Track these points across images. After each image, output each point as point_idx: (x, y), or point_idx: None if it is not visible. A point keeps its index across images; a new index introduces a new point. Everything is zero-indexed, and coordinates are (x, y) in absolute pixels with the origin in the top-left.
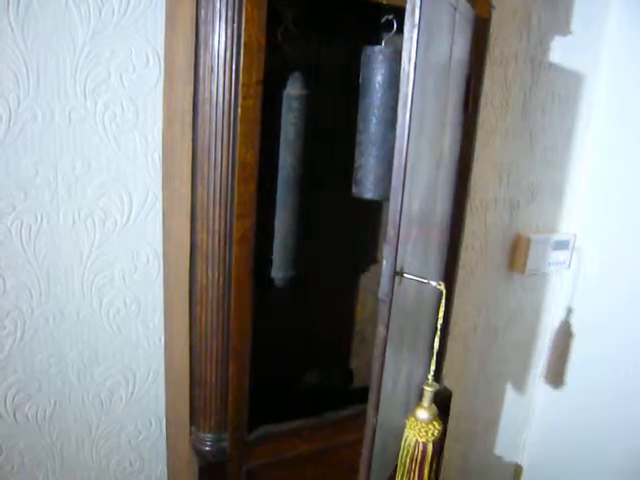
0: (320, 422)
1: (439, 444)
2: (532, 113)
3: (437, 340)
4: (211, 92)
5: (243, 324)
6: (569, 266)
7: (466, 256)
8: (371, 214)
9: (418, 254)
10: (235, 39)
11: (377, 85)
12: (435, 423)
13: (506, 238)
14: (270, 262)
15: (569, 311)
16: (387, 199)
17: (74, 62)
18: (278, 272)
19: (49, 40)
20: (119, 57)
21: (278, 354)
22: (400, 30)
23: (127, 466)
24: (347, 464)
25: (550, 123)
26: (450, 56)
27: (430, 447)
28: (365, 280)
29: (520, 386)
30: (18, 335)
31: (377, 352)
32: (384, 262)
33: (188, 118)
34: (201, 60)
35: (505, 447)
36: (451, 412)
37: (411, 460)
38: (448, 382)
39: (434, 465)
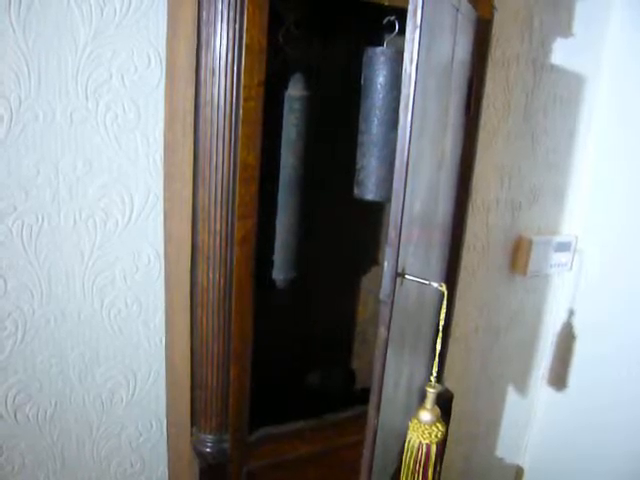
0: (321, 423)
1: (442, 446)
2: (534, 115)
3: (439, 341)
4: (212, 93)
5: (244, 325)
6: (571, 268)
7: (468, 257)
8: (372, 215)
9: (420, 255)
10: (237, 40)
11: (379, 86)
12: (438, 425)
13: (508, 239)
14: (271, 263)
15: (571, 313)
16: (389, 200)
17: (76, 62)
18: (279, 273)
19: (51, 40)
20: (121, 58)
21: (279, 355)
22: (402, 31)
23: (128, 467)
24: (348, 465)
25: (552, 125)
26: (452, 57)
27: (434, 449)
28: (366, 281)
29: (522, 388)
30: (19, 336)
31: (378, 353)
32: (385, 263)
33: (189, 119)
34: (203, 61)
35: (507, 449)
36: (452, 413)
37: (415, 462)
38: (449, 383)
39: (438, 467)
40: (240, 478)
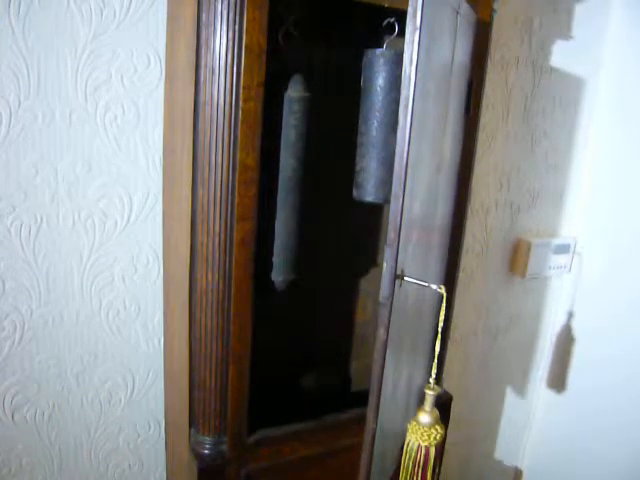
0: (319, 426)
1: (441, 448)
2: (533, 117)
3: (438, 343)
4: (212, 94)
5: (243, 327)
6: (570, 270)
7: (467, 259)
8: (372, 217)
9: (419, 257)
10: (236, 41)
11: (378, 88)
12: (437, 427)
13: (507, 241)
14: (270, 265)
15: (570, 315)
16: (388, 202)
17: (75, 63)
18: (278, 275)
19: (50, 41)
20: (120, 58)
21: (278, 357)
22: (402, 33)
23: (126, 468)
24: (346, 468)
25: (551, 127)
26: (452, 59)
27: (433, 451)
28: (365, 283)
29: (521, 390)
30: (17, 337)
31: (377, 355)
32: (385, 265)
33: (189, 120)
34: (202, 62)
35: (505, 451)
36: (451, 416)
37: (414, 464)
38: (448, 386)
39: (437, 469)
40: None
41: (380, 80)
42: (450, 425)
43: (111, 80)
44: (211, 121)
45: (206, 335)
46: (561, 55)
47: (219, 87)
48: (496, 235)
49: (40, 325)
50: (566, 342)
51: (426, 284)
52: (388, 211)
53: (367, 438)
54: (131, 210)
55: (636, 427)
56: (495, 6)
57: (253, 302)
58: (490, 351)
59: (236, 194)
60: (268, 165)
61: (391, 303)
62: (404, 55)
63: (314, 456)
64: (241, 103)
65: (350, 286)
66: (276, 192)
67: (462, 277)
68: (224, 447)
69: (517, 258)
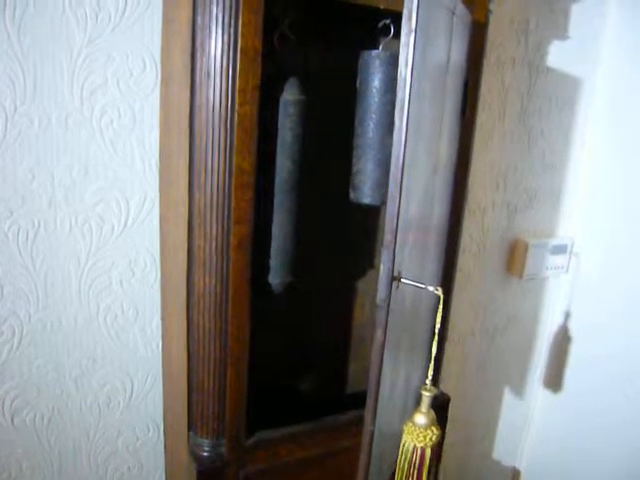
0: (318, 427)
1: (437, 449)
2: (530, 117)
3: (435, 345)
4: (208, 98)
5: (241, 330)
6: (567, 270)
7: (464, 260)
8: (369, 219)
9: (415, 258)
10: (232, 45)
11: (374, 90)
12: (433, 428)
13: (504, 242)
14: (267, 267)
15: (567, 315)
16: (384, 204)
17: (71, 67)
18: (275, 277)
19: (46, 45)
20: (116, 62)
21: (275, 359)
22: (397, 34)
23: (125, 471)
24: (345, 469)
25: (548, 127)
26: (447, 60)
27: (428, 452)
28: (363, 285)
29: (518, 390)
30: (15, 341)
31: (375, 357)
32: (381, 267)
33: (185, 123)
34: (198, 65)
35: (503, 452)
36: (449, 416)
37: (409, 465)
38: (446, 386)
39: (432, 470)
40: None
41: (376, 82)
42: (448, 426)
43: (107, 84)
44: (207, 124)
45: (204, 338)
46: (557, 55)
47: (215, 90)
48: (493, 235)
49: (38, 329)
50: (564, 342)
51: (423, 286)
52: (385, 213)
53: (365, 439)
54: (128, 214)
55: (634, 426)
56: (491, 7)
57: (251, 305)
58: (488, 351)
59: (232, 197)
60: (264, 168)
61: (388, 305)
62: (400, 57)
63: (312, 458)
64: (237, 106)
65: (347, 288)
66: (273, 195)
67: (459, 277)
68: (223, 449)
69: (514, 258)
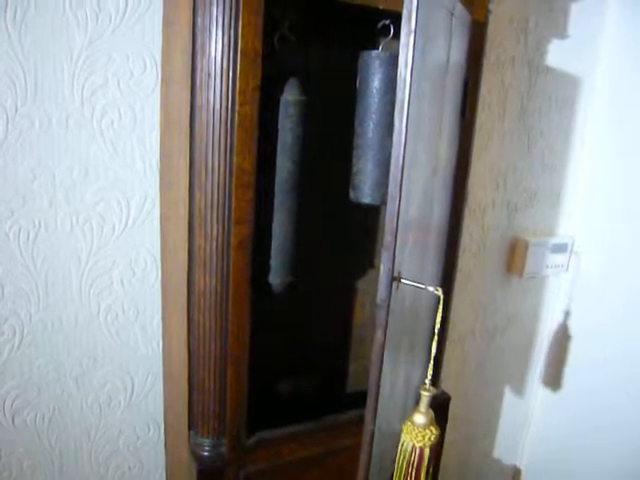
0: (318, 427)
1: (436, 449)
2: (529, 116)
3: (434, 345)
4: (208, 98)
5: (241, 330)
6: (567, 269)
7: (464, 259)
8: (369, 219)
9: (415, 258)
10: (232, 46)
11: (374, 90)
12: (432, 428)
13: (504, 241)
14: (268, 267)
15: (567, 314)
16: (385, 204)
17: (71, 68)
18: (276, 277)
19: (46, 46)
20: (116, 63)
21: (276, 359)
22: (397, 35)
23: (126, 470)
24: (345, 469)
25: (547, 126)
26: (447, 60)
27: (427, 452)
28: (363, 285)
29: (518, 389)
30: (16, 341)
31: (375, 357)
32: (381, 267)
33: (185, 124)
34: (198, 66)
35: (504, 450)
36: (449, 415)
37: (408, 465)
38: (446, 385)
39: (431, 470)
40: None
41: (376, 82)
42: (448, 424)
43: (107, 85)
44: (207, 125)
45: (205, 337)
46: (557, 55)
47: (215, 91)
48: (493, 235)
49: (39, 329)
50: (564, 341)
51: (423, 286)
52: (385, 213)
53: (365, 439)
54: (129, 214)
55: (634, 424)
56: (490, 6)
57: (251, 305)
58: (488, 350)
59: (233, 198)
60: (265, 168)
61: (388, 305)
62: (399, 58)
63: (313, 457)
64: (237, 107)
65: (347, 288)
66: (273, 195)
67: (459, 277)
68: (223, 449)
69: (514, 257)
